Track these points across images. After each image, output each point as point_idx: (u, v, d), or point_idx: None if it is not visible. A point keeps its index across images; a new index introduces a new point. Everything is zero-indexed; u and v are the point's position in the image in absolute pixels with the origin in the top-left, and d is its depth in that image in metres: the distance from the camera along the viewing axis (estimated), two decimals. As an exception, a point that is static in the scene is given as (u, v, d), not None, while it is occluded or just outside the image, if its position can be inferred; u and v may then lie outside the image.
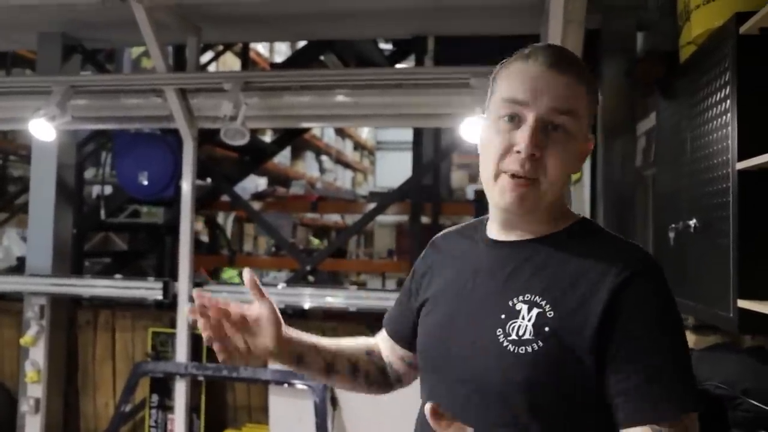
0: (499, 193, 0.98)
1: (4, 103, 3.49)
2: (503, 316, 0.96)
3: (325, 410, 3.13)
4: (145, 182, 3.65)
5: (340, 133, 8.41)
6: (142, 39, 3.07)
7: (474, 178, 9.60)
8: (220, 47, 4.92)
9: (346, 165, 9.03)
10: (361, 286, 4.95)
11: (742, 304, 1.77)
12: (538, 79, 0.95)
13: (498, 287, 1.00)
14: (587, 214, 4.02)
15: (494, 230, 1.07)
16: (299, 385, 3.25)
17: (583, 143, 1.01)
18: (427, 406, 0.78)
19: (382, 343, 1.28)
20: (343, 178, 8.75)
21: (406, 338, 1.20)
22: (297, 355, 1.13)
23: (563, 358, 0.92)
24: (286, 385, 3.29)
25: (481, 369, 0.97)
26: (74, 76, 3.58)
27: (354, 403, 3.25)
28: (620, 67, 3.15)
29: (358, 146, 9.75)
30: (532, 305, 0.95)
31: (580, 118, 0.97)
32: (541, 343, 0.92)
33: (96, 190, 4.67)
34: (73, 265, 3.90)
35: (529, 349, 0.93)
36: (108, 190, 4.43)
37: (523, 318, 0.94)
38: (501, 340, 0.95)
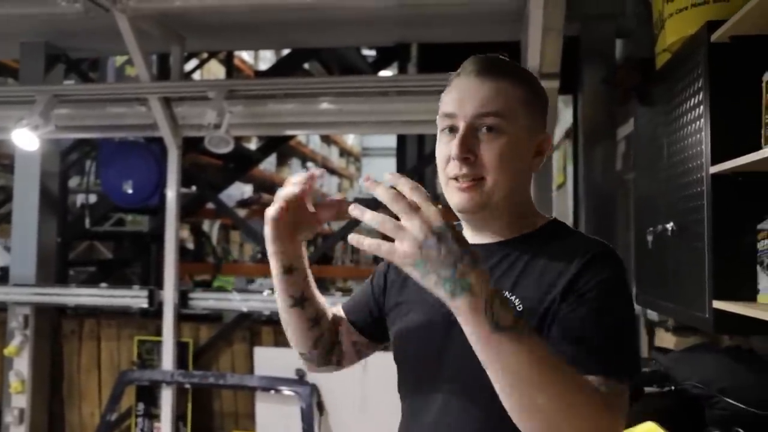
0: (450, 198, 1.05)
1: (-13, 112, 3.48)
2: None
3: (311, 416, 3.14)
4: (130, 191, 3.65)
5: (326, 139, 8.43)
6: (126, 48, 3.08)
7: (459, 183, 9.67)
8: (205, 55, 4.94)
9: (332, 171, 9.05)
10: (347, 292, 4.95)
11: (717, 305, 1.81)
12: (464, 89, 1.03)
13: None
14: (570, 217, 4.07)
15: (468, 234, 1.11)
16: (286, 392, 3.26)
17: (526, 139, 1.05)
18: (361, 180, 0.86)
19: (338, 318, 1.29)
20: (329, 185, 8.76)
21: (366, 326, 1.24)
22: (292, 264, 1.15)
23: None
24: (272, 391, 3.30)
25: (458, 367, 1.00)
26: (57, 85, 3.58)
27: (341, 408, 3.27)
28: (599, 74, 3.20)
29: (344, 153, 9.78)
30: None
31: (512, 116, 1.02)
32: None
33: (80, 198, 4.65)
34: (57, 275, 3.88)
35: None
36: (92, 198, 4.42)
37: None
38: None
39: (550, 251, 1.02)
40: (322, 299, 1.23)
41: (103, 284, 3.79)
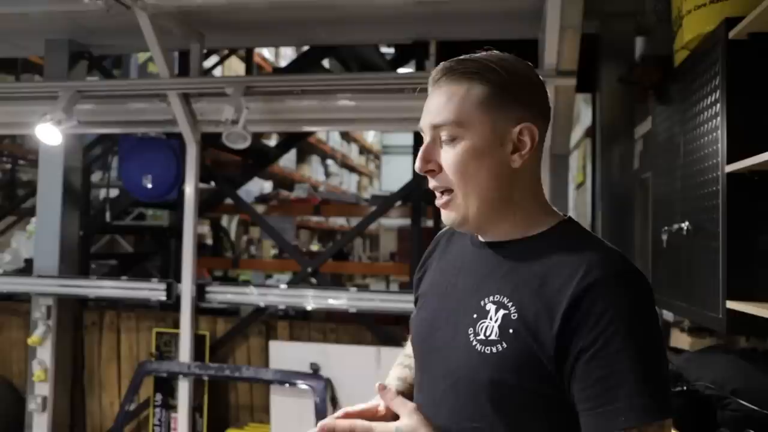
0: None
1: (13, 108, 3.56)
2: (475, 316, 0.99)
3: (325, 409, 3.17)
4: (149, 185, 3.70)
5: (346, 137, 8.45)
6: (147, 45, 3.13)
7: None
8: (225, 52, 4.98)
9: (352, 169, 9.07)
10: (364, 288, 4.98)
11: (731, 305, 1.80)
12: (427, 100, 1.03)
13: (474, 287, 1.03)
14: (588, 217, 4.04)
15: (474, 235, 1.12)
16: (300, 385, 3.29)
17: (490, 139, 0.99)
18: (376, 385, 0.91)
19: None
20: (348, 182, 8.78)
21: None
22: None
23: (524, 360, 0.92)
24: (287, 385, 3.33)
25: (455, 366, 1.00)
26: (80, 81, 3.64)
27: (355, 402, 3.28)
28: (618, 71, 3.18)
29: (364, 150, 9.79)
30: (499, 306, 0.97)
31: (468, 120, 0.98)
32: (505, 344, 0.94)
33: (102, 193, 4.72)
34: (79, 267, 3.96)
35: (494, 350, 0.95)
36: (114, 193, 4.49)
37: (490, 318, 0.97)
38: (471, 339, 0.98)
39: (552, 256, 0.97)
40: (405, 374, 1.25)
41: (124, 277, 3.85)
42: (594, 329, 0.89)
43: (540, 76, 1.06)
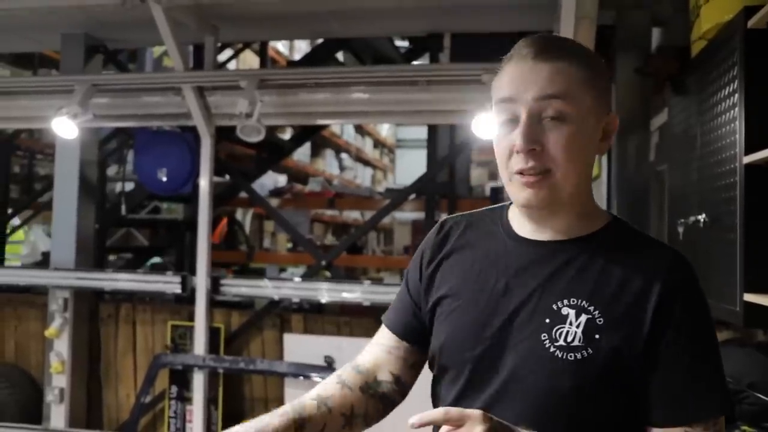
0: (515, 194, 0.98)
1: (30, 102, 3.60)
2: (548, 320, 0.95)
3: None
4: (164, 179, 3.73)
5: (360, 130, 8.45)
6: (162, 39, 3.14)
7: (494, 175, 9.56)
8: (239, 45, 5.00)
9: (366, 162, 9.06)
10: (378, 281, 4.99)
11: (749, 297, 1.77)
12: (522, 73, 0.95)
13: (538, 289, 0.98)
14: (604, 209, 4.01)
15: (523, 228, 1.04)
16: (315, 378, 3.30)
17: (593, 123, 0.97)
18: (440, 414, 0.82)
19: (379, 355, 1.14)
20: (363, 176, 8.78)
21: (415, 331, 1.12)
22: None
23: (613, 365, 0.92)
24: (301, 377, 3.35)
25: (525, 374, 0.95)
26: (96, 75, 3.67)
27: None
28: (634, 63, 3.14)
29: (378, 144, 9.78)
30: (580, 310, 0.94)
31: (576, 99, 0.94)
32: (591, 350, 0.92)
33: (118, 186, 4.77)
34: (95, 260, 3.99)
35: (579, 356, 0.92)
36: (129, 186, 4.53)
37: (570, 324, 0.94)
38: (547, 345, 0.94)
39: (623, 258, 0.97)
40: (334, 393, 1.07)
41: (139, 270, 3.88)
42: (682, 326, 0.93)
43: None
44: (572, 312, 0.94)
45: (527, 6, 3.10)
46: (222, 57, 4.57)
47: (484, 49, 3.47)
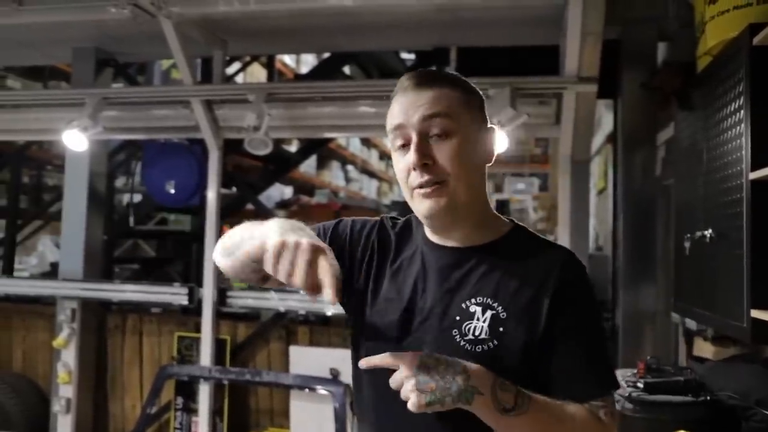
0: (418, 208, 1.08)
1: (41, 114, 3.64)
2: (458, 318, 1.06)
3: (344, 415, 3.17)
4: (172, 191, 3.75)
5: (366, 142, 8.48)
6: (171, 52, 3.18)
7: (498, 187, 9.58)
8: (247, 58, 5.04)
9: (372, 174, 9.09)
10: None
11: (756, 314, 1.77)
12: (407, 101, 1.07)
13: (450, 290, 1.09)
14: (609, 223, 4.01)
15: (434, 236, 1.14)
16: (320, 390, 3.30)
17: (475, 136, 1.09)
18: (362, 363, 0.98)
19: None
20: (368, 188, 8.80)
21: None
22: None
23: (515, 353, 1.03)
24: (307, 390, 3.35)
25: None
26: (105, 88, 3.71)
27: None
28: (640, 77, 3.16)
29: (384, 156, 9.80)
30: (485, 307, 1.05)
31: (457, 116, 1.06)
32: (496, 342, 1.03)
33: (126, 198, 4.79)
34: (103, 271, 4.02)
35: (486, 347, 1.03)
36: (137, 198, 4.56)
37: (477, 319, 1.05)
38: (458, 339, 1.04)
39: (523, 259, 1.09)
40: None
41: (146, 281, 3.90)
42: (574, 313, 1.05)
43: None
44: (479, 309, 1.05)
45: (533, 20, 3.12)
46: (230, 70, 4.61)
47: (490, 63, 3.50)
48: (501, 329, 1.03)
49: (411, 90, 1.07)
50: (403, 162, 1.07)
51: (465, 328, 1.04)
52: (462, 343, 1.03)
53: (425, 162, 1.04)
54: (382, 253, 1.17)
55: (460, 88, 1.10)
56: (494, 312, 1.04)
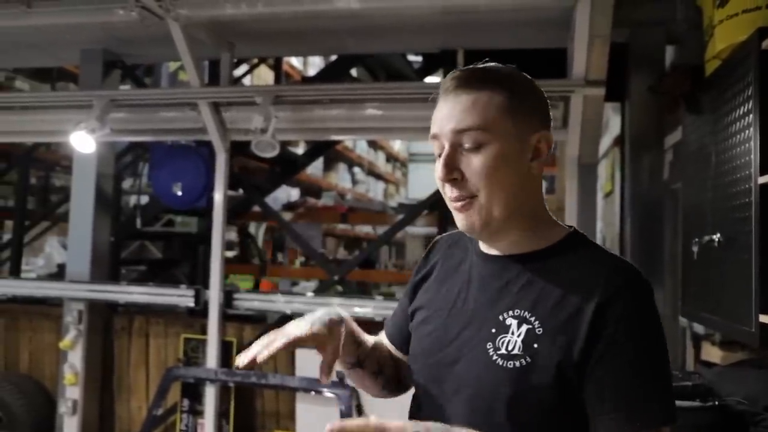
0: (455, 219, 1.04)
1: (49, 116, 3.65)
2: (493, 330, 1.00)
3: (350, 418, 3.16)
4: (180, 193, 3.76)
5: (373, 144, 8.48)
6: (178, 54, 3.19)
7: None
8: (255, 60, 5.05)
9: (378, 177, 9.09)
10: (390, 297, 4.98)
11: (764, 318, 1.76)
12: (443, 107, 1.02)
13: (489, 301, 1.03)
14: (617, 227, 3.99)
15: (483, 245, 1.10)
16: (326, 393, 3.30)
17: (515, 146, 1.01)
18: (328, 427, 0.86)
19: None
20: (375, 190, 8.80)
21: (404, 341, 1.20)
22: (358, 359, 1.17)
23: (548, 372, 0.94)
24: (313, 393, 3.35)
25: (472, 381, 1.00)
26: (113, 90, 3.72)
27: (380, 411, 3.28)
28: (648, 80, 3.14)
29: (391, 158, 9.81)
30: (521, 321, 0.98)
31: (493, 126, 0.99)
32: (529, 359, 0.95)
33: (133, 200, 4.81)
34: (110, 273, 4.03)
35: (518, 364, 0.96)
36: (144, 200, 4.57)
37: (512, 333, 0.98)
38: (491, 353, 0.98)
39: (569, 271, 1.00)
40: (376, 341, 1.24)
41: (152, 283, 3.91)
42: (615, 335, 0.93)
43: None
44: (515, 322, 0.99)
45: (541, 23, 3.11)
46: (237, 72, 4.62)
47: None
48: (535, 345, 0.95)
49: (450, 93, 1.01)
50: (437, 173, 1.03)
51: (499, 342, 0.98)
52: (495, 357, 0.98)
53: (453, 177, 1.00)
54: (428, 270, 1.18)
55: (506, 91, 1.01)
56: (530, 327, 0.97)
